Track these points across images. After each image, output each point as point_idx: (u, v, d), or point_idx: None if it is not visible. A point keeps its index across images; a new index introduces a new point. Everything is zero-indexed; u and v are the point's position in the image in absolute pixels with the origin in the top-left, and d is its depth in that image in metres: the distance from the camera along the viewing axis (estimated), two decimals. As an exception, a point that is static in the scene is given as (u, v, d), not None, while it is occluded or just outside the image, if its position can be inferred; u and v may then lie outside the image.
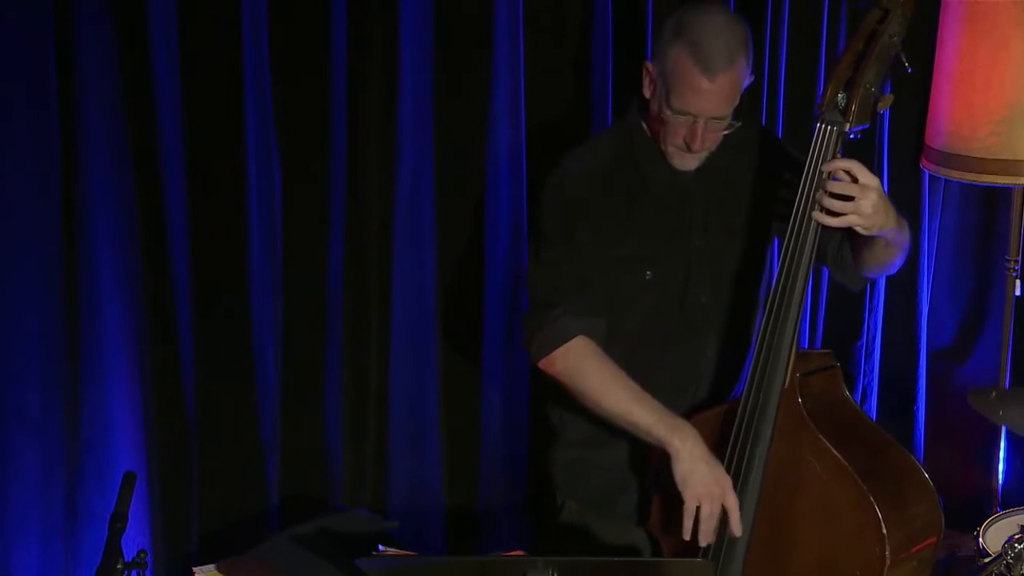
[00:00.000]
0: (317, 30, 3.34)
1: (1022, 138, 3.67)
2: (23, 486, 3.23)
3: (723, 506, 2.70)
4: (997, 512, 3.48)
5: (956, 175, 3.82)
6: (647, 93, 2.81)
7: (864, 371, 4.16)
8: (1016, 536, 2.93)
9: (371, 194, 3.49)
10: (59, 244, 3.17)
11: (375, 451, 3.64)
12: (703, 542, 2.71)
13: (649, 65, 2.79)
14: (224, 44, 3.26)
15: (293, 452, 3.55)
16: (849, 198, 2.63)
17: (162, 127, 3.22)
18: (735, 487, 2.73)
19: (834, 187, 2.64)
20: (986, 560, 2.96)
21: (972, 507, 4.11)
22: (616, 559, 2.77)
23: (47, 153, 3.11)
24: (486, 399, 3.69)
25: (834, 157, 2.67)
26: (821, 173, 2.67)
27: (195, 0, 3.22)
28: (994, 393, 3.57)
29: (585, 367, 2.80)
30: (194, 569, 2.82)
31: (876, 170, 4.01)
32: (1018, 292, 3.97)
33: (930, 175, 4.02)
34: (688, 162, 2.83)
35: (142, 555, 2.34)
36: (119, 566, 2.32)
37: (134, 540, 3.19)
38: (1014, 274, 3.95)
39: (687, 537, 2.71)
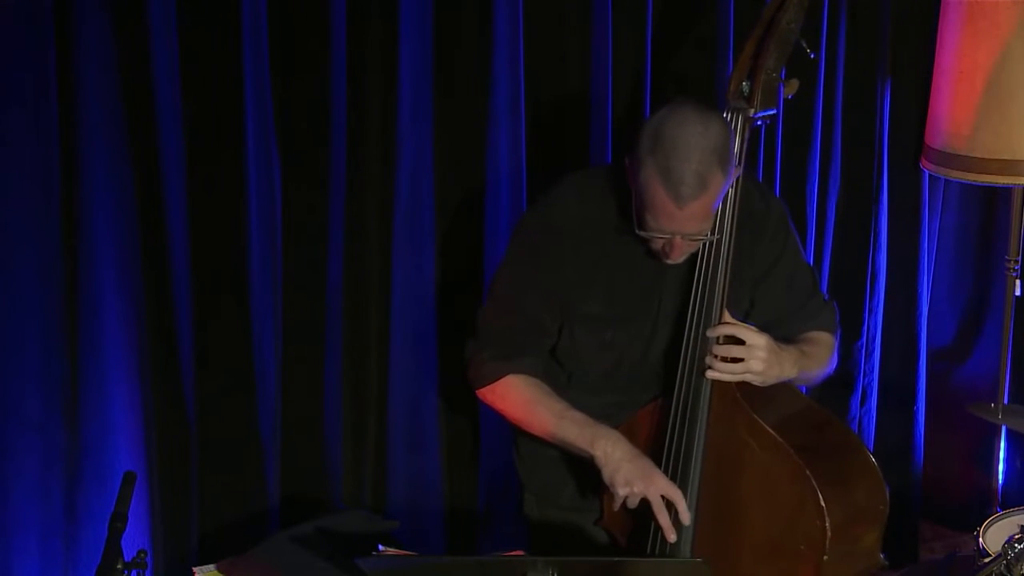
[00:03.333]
0: (317, 30, 3.34)
1: (1022, 138, 3.67)
2: (23, 486, 3.23)
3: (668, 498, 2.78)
4: (997, 512, 3.48)
5: (956, 175, 3.82)
6: (631, 185, 2.76)
7: (864, 371, 4.16)
8: (1016, 536, 2.92)
9: (371, 194, 3.49)
10: (59, 244, 3.17)
11: (375, 451, 3.64)
12: (670, 538, 2.79)
13: (627, 161, 2.74)
14: (224, 43, 3.26)
15: (293, 452, 3.55)
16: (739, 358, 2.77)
17: (162, 127, 3.22)
18: (677, 472, 2.82)
19: (720, 351, 2.78)
20: (986, 560, 2.96)
21: (972, 507, 4.11)
22: (616, 559, 2.81)
23: (47, 153, 3.11)
24: (486, 399, 3.69)
25: (720, 320, 2.79)
26: (707, 339, 2.79)
27: (195, 0, 3.22)
28: (992, 405, 3.59)
29: (510, 401, 2.92)
30: (194, 569, 2.82)
31: (876, 170, 4.02)
32: (1018, 292, 3.97)
33: (930, 175, 4.02)
34: (669, 260, 2.80)
35: (142, 555, 2.34)
36: (119, 566, 2.32)
37: (134, 540, 3.19)
38: (1014, 274, 3.95)
39: (671, 539, 2.78)
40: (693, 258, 2.86)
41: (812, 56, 2.85)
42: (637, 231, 2.73)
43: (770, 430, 2.77)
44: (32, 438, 3.21)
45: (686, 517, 2.78)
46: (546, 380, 2.92)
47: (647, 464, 2.79)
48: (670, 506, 2.78)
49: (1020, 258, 3.94)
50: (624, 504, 2.79)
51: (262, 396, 3.45)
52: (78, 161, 3.15)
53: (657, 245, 2.77)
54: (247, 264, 3.38)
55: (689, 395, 2.83)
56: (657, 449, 2.86)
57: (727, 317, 2.81)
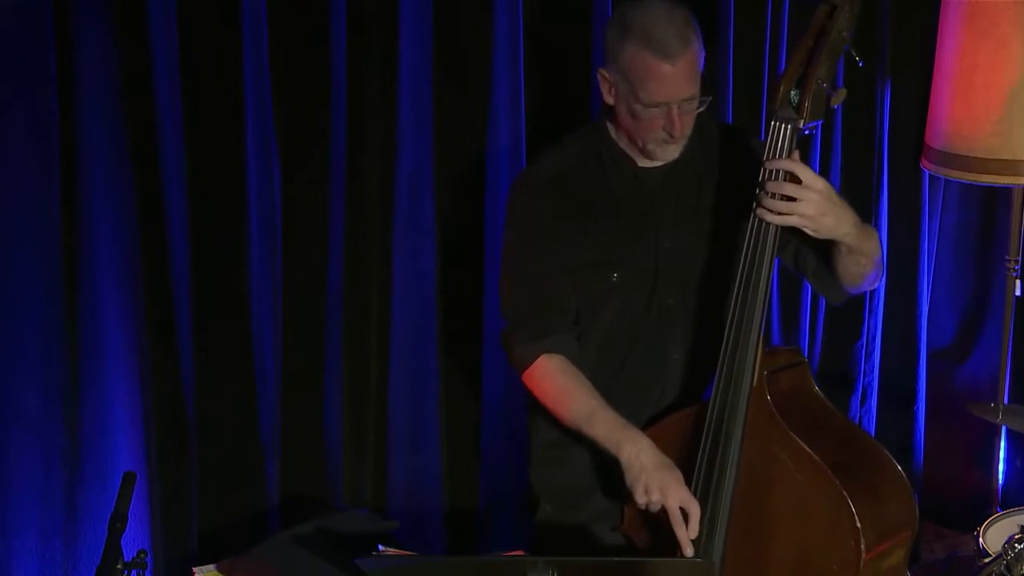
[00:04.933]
0: (317, 30, 3.34)
1: (1022, 138, 3.67)
2: (23, 486, 3.23)
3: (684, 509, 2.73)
4: (997, 512, 3.48)
5: (956, 175, 3.82)
6: (609, 100, 2.83)
7: (864, 371, 4.16)
8: (1016, 536, 2.93)
9: (371, 194, 3.50)
10: (59, 244, 3.16)
11: (375, 451, 3.64)
12: (686, 552, 2.73)
13: (604, 71, 2.81)
14: (224, 44, 3.26)
15: (293, 452, 3.55)
16: (792, 198, 2.67)
17: (162, 127, 3.22)
18: (709, 487, 2.75)
19: (773, 187, 2.68)
20: (986, 560, 2.96)
21: (972, 507, 4.11)
22: (616, 559, 2.78)
23: (47, 153, 3.11)
24: (486, 399, 3.69)
25: (787, 156, 2.70)
26: (767, 171, 2.70)
27: (195, 0, 3.22)
28: (992, 405, 3.59)
29: (545, 387, 2.90)
30: (194, 569, 2.82)
31: (876, 170, 4.02)
32: (1018, 292, 3.97)
33: (930, 175, 4.03)
34: (672, 151, 2.85)
35: (142, 555, 2.35)
36: (119, 566, 2.32)
37: (134, 540, 3.20)
38: (1014, 274, 3.96)
39: (687, 553, 2.73)
40: (683, 198, 2.88)
41: (861, 64, 2.82)
42: (637, 107, 2.76)
43: (806, 447, 2.70)
44: (32, 438, 3.21)
45: (693, 532, 2.72)
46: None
47: (671, 474, 2.75)
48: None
49: (1020, 258, 3.95)
50: (647, 512, 2.76)
51: (262, 396, 3.46)
52: (78, 160, 3.15)
53: (658, 131, 2.79)
54: (247, 264, 3.38)
55: (725, 404, 2.74)
56: (688, 460, 2.79)
57: (791, 162, 2.69)
